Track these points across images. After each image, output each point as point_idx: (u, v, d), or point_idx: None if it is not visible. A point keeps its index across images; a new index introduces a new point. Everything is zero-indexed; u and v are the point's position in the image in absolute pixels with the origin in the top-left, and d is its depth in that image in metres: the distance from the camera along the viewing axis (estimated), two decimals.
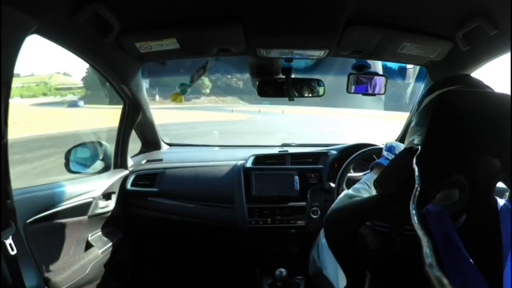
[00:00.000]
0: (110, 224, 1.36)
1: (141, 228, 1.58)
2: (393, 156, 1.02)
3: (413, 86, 1.68)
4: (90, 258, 1.16)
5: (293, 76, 1.39)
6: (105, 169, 1.43)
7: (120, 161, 1.47)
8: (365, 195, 0.76)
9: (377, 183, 0.59)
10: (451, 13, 0.93)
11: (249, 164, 1.54)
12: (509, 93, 0.47)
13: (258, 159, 1.57)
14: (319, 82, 1.39)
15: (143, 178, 1.50)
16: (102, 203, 1.28)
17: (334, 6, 0.91)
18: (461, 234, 0.47)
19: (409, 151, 0.51)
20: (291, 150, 1.68)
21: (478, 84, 0.55)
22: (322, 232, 1.22)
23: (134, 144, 1.64)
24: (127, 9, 0.92)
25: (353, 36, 1.06)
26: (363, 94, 1.35)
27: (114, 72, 1.21)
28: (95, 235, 1.26)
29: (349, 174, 1.30)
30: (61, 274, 1.01)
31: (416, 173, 0.45)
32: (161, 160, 1.66)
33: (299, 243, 1.53)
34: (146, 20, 1.00)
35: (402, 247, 0.51)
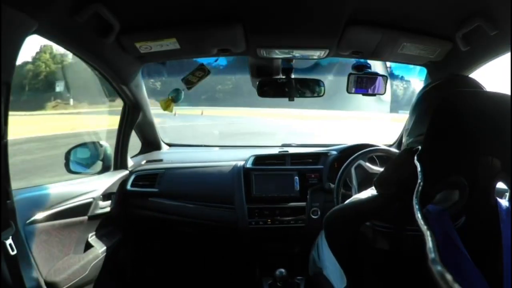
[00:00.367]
0: (110, 224, 1.35)
1: (141, 228, 1.58)
2: None
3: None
4: (90, 258, 1.16)
5: (293, 76, 1.39)
6: (105, 169, 1.43)
7: (120, 161, 1.47)
8: None
9: (377, 183, 0.59)
10: (451, 13, 0.93)
11: (249, 165, 1.53)
12: (509, 93, 0.47)
13: (258, 159, 1.57)
14: (319, 82, 1.39)
15: (143, 178, 1.50)
16: (102, 203, 1.28)
17: (334, 6, 0.91)
18: (461, 234, 0.47)
19: (409, 151, 0.51)
20: (291, 150, 1.68)
21: (475, 85, 0.55)
22: (322, 232, 1.22)
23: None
24: (127, 9, 0.92)
25: (353, 36, 1.06)
26: (363, 95, 1.35)
27: (114, 72, 1.21)
28: (95, 235, 1.26)
29: (366, 167, 1.28)
30: (61, 274, 1.00)
31: (419, 169, 0.45)
32: (161, 160, 1.66)
33: (299, 243, 1.53)
34: (146, 20, 1.00)
35: (402, 247, 0.51)
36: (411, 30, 1.04)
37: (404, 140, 0.61)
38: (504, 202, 0.51)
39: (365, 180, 1.22)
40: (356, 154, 1.31)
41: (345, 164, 1.30)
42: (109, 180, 1.36)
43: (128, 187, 1.47)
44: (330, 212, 0.67)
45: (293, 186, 1.48)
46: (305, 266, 1.34)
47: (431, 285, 0.31)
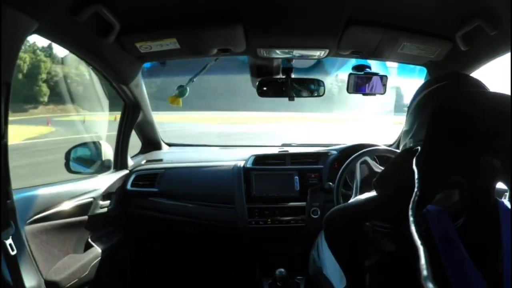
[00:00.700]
0: (110, 224, 1.35)
1: (141, 228, 1.58)
2: None
3: None
4: (90, 258, 1.16)
5: (293, 76, 1.39)
6: (105, 169, 1.43)
7: (120, 161, 1.47)
8: None
9: (377, 183, 0.59)
10: (451, 13, 0.93)
11: (249, 164, 1.54)
12: (509, 93, 0.47)
13: (258, 159, 1.57)
14: (319, 82, 1.39)
15: (143, 178, 1.50)
16: (102, 203, 1.28)
17: (334, 6, 0.91)
18: (461, 234, 0.47)
19: (409, 151, 0.51)
20: (291, 150, 1.68)
21: (477, 85, 0.55)
22: (322, 232, 1.22)
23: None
24: (127, 9, 0.92)
25: (353, 36, 1.06)
26: (363, 94, 1.35)
27: (114, 72, 1.21)
28: (95, 235, 1.26)
29: (372, 164, 1.25)
30: (61, 274, 1.00)
31: (416, 176, 0.45)
32: (161, 160, 1.66)
33: (299, 243, 1.53)
34: (146, 20, 1.00)
35: (402, 247, 0.51)
36: (411, 30, 1.04)
37: (403, 142, 0.60)
38: (504, 202, 0.51)
39: (369, 178, 1.22)
40: (356, 154, 1.31)
41: (345, 164, 1.30)
42: (109, 179, 1.36)
43: (128, 187, 1.47)
44: (330, 212, 0.67)
45: (293, 186, 1.48)
46: (305, 266, 1.34)
47: None
